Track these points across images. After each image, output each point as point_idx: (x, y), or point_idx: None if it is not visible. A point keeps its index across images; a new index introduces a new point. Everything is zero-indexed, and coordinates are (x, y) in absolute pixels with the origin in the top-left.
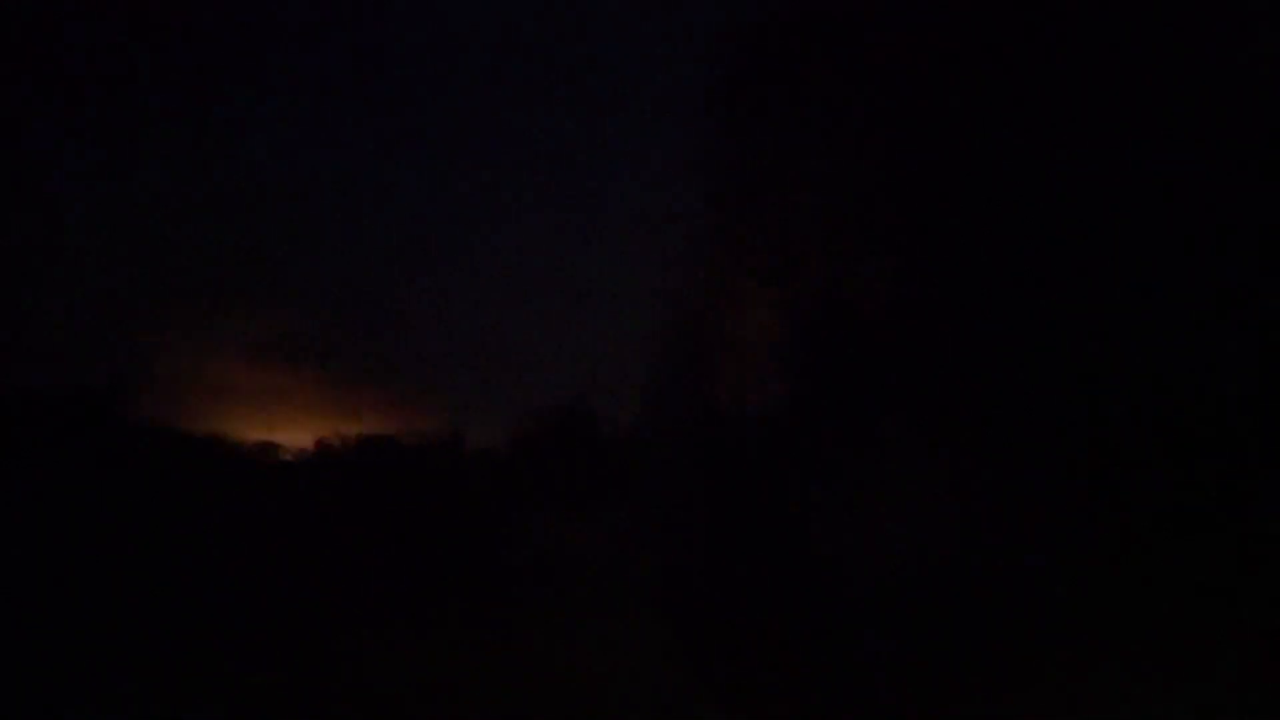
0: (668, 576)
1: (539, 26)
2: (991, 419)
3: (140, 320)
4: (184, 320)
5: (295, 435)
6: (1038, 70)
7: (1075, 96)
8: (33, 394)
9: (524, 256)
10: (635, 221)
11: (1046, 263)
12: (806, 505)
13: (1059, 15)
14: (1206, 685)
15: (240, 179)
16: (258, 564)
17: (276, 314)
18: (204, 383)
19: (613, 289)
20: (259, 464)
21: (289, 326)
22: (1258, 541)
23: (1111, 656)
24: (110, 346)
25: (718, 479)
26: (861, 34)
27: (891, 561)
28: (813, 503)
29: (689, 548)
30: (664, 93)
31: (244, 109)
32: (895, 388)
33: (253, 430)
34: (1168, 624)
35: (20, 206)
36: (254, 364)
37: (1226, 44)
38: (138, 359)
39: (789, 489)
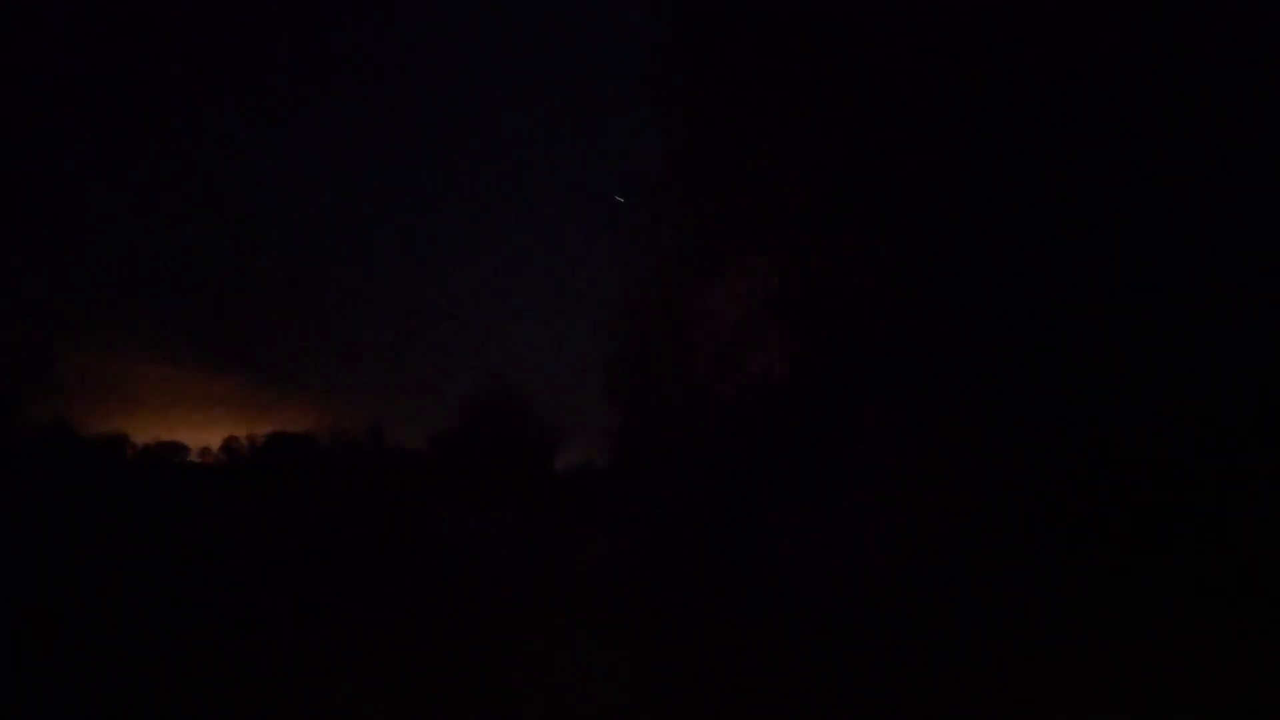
0: (634, 577)
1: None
2: (973, 420)
3: (40, 319)
4: (85, 318)
5: (201, 434)
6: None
7: (1058, 91)
8: None
9: (447, 249)
10: (572, 215)
11: (1029, 259)
12: (775, 509)
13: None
14: (1196, 687)
15: (146, 175)
16: (162, 565)
17: (179, 310)
18: (105, 382)
19: (542, 282)
20: (163, 464)
21: (193, 323)
22: (1242, 542)
23: (1092, 660)
24: (8, 346)
25: (685, 476)
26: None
27: (862, 561)
28: (781, 507)
29: (654, 547)
30: (593, 79)
31: (160, 103)
32: (870, 380)
33: (156, 429)
34: (1152, 628)
35: None
36: (156, 362)
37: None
38: (37, 359)
39: (759, 488)
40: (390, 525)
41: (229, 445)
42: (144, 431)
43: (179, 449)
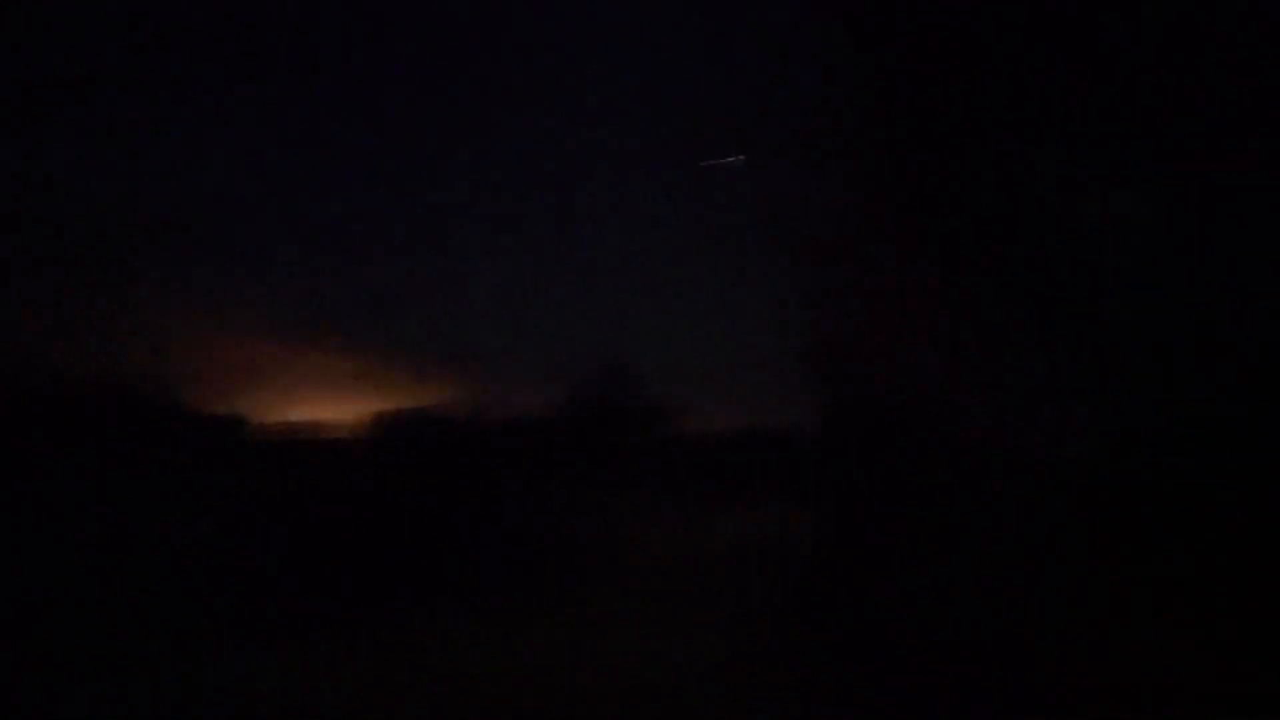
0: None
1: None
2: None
3: (159, 307)
4: (203, 304)
5: (322, 412)
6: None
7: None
8: (56, 388)
9: (553, 218)
10: (674, 179)
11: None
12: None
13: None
14: None
15: (254, 157)
16: (288, 543)
17: (297, 292)
18: (227, 365)
19: (650, 250)
20: (286, 443)
21: (311, 304)
22: None
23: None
24: (130, 335)
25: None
26: None
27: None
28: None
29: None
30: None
31: (257, 84)
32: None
33: (279, 410)
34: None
35: (25, 197)
36: (277, 343)
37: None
38: (159, 346)
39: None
40: (515, 498)
41: (354, 422)
42: (270, 412)
43: (303, 428)
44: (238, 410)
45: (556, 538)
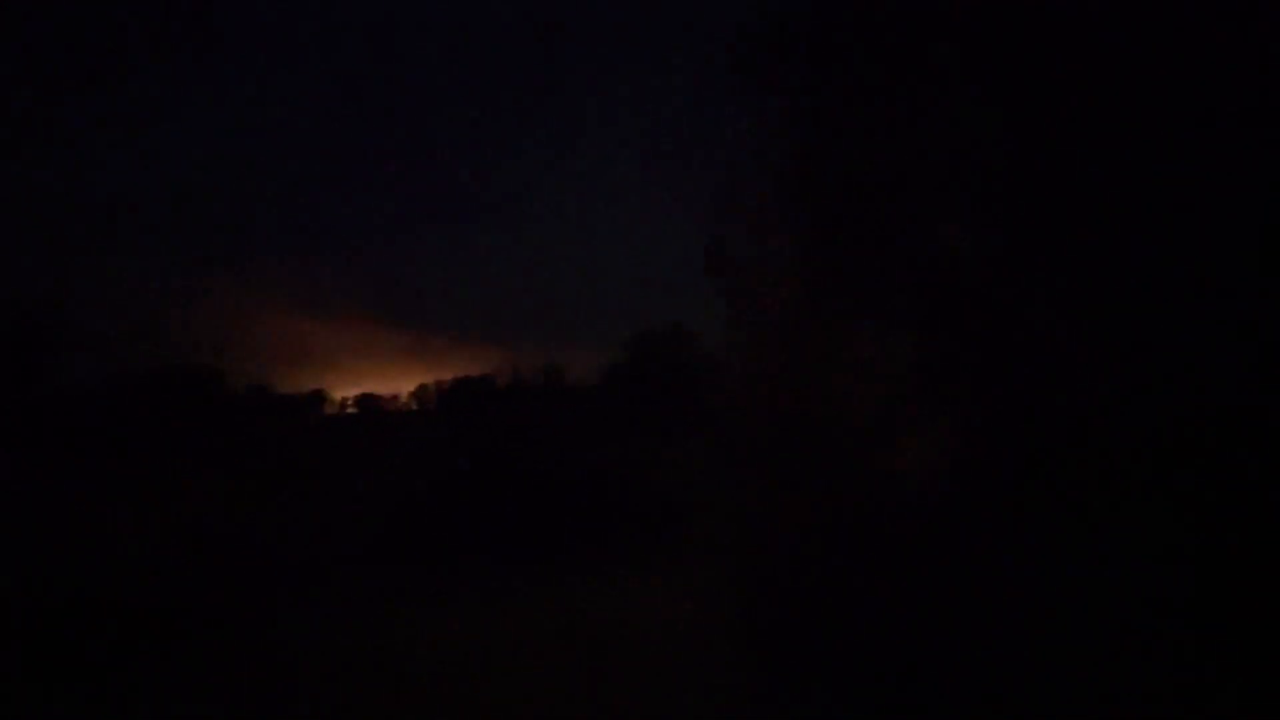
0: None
1: None
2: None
3: (234, 293)
4: (276, 288)
5: (393, 385)
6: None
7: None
8: (146, 376)
9: (602, 180)
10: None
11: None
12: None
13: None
14: None
15: (315, 143)
16: (363, 515)
17: (366, 273)
18: (301, 344)
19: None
20: (360, 415)
21: (378, 284)
22: None
23: None
24: (208, 324)
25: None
26: None
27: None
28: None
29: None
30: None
31: (307, 64)
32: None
33: (351, 384)
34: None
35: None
36: (350, 322)
37: None
38: (237, 331)
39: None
40: (570, 459)
41: (419, 393)
42: (340, 386)
43: (374, 399)
44: (313, 385)
45: None
